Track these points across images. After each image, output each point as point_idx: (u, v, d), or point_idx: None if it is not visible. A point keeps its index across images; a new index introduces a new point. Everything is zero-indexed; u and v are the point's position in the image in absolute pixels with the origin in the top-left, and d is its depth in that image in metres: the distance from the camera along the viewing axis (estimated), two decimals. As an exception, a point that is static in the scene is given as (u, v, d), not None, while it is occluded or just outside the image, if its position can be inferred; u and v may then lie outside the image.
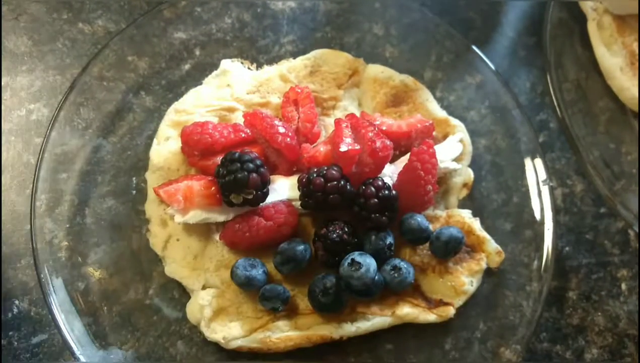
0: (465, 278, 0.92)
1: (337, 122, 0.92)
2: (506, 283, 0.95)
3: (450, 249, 0.90)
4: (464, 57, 1.05)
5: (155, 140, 0.97)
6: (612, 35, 1.06)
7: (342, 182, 0.86)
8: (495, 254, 0.94)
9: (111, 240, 0.93)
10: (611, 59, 1.05)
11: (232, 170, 0.84)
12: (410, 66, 1.06)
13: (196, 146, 0.90)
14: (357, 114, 0.97)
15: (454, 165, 0.97)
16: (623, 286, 1.02)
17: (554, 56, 1.05)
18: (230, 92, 0.99)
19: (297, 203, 0.90)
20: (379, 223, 0.87)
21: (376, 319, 0.89)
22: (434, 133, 0.98)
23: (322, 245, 0.87)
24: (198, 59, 1.04)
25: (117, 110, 0.99)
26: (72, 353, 0.84)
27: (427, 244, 0.92)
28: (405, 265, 0.88)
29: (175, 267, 0.91)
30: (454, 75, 1.06)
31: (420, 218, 0.90)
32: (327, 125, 0.99)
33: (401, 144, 0.96)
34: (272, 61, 1.05)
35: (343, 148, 0.87)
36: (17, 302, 0.93)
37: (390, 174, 0.93)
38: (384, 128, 0.94)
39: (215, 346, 0.89)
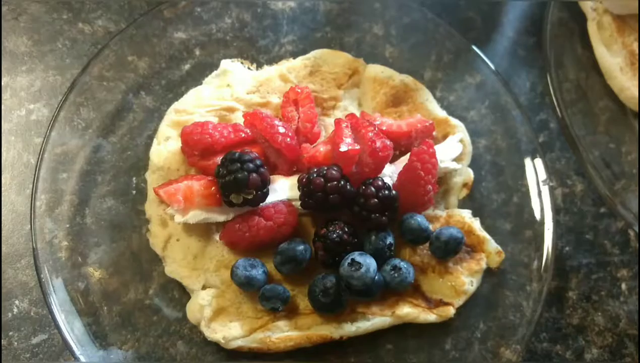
0: (465, 278, 0.92)
1: (337, 122, 0.92)
2: (506, 283, 0.95)
3: (450, 249, 0.90)
4: (464, 57, 1.05)
5: (155, 140, 0.97)
6: (612, 35, 1.06)
7: (342, 182, 0.86)
8: (495, 254, 0.94)
9: (111, 240, 0.93)
10: (611, 59, 1.05)
11: (232, 170, 0.84)
12: (410, 66, 1.06)
13: (196, 146, 0.90)
14: (357, 114, 0.97)
15: (454, 165, 0.97)
16: (623, 286, 1.02)
17: (554, 56, 1.04)
18: (230, 92, 0.99)
19: (297, 203, 0.90)
20: (379, 223, 0.87)
21: (376, 319, 0.89)
22: (434, 133, 0.98)
23: (322, 245, 0.87)
24: (198, 59, 1.04)
25: (117, 110, 0.99)
26: (72, 353, 0.84)
27: (427, 244, 0.92)
28: (405, 265, 0.88)
29: (175, 267, 0.91)
30: (454, 75, 1.06)
31: (420, 219, 0.90)
32: (327, 125, 0.99)
33: (401, 144, 0.96)
34: (272, 61, 1.05)
35: (343, 148, 0.87)
36: (17, 302, 0.93)
37: (390, 174, 0.93)
38: (384, 128, 0.94)
39: (215, 346, 0.89)
